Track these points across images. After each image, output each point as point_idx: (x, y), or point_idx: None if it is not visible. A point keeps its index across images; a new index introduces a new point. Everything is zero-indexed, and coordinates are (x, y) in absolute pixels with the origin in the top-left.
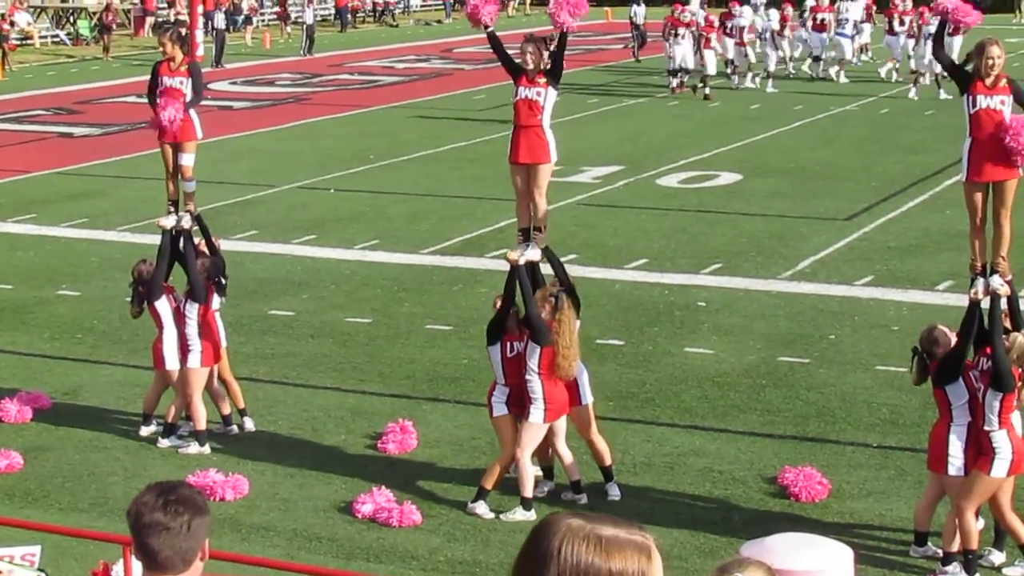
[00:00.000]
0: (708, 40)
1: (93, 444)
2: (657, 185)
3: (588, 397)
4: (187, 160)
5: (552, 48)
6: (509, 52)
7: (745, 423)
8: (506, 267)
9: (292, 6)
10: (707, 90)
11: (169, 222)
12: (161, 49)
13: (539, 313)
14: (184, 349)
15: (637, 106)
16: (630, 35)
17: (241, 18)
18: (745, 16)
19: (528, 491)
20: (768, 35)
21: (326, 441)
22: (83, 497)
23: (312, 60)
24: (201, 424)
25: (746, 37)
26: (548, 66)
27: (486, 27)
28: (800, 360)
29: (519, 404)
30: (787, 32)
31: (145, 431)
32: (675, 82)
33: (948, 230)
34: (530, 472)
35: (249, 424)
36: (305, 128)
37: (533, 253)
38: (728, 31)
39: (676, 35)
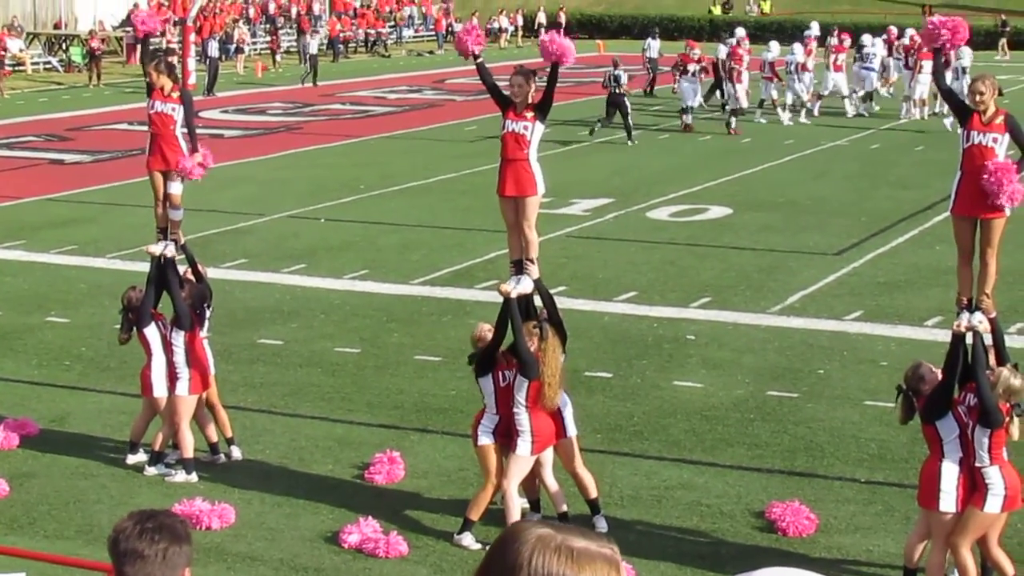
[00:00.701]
0: (739, 74)
1: (80, 471)
2: (647, 218)
3: (572, 430)
4: (175, 188)
5: (538, 79)
6: (499, 84)
7: (733, 457)
8: (497, 298)
9: (284, 34)
10: (733, 123)
11: (158, 249)
12: (148, 79)
13: (528, 347)
14: (172, 377)
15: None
16: (642, 68)
17: (233, 47)
18: (773, 50)
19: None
20: (794, 68)
21: (313, 471)
22: (69, 524)
23: (304, 90)
24: (188, 452)
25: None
26: (536, 100)
27: (474, 56)
28: (789, 394)
29: (505, 435)
30: (811, 65)
31: (132, 459)
32: (688, 119)
33: (937, 266)
34: (517, 503)
35: (236, 453)
36: (296, 157)
37: (526, 286)
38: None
39: (685, 72)
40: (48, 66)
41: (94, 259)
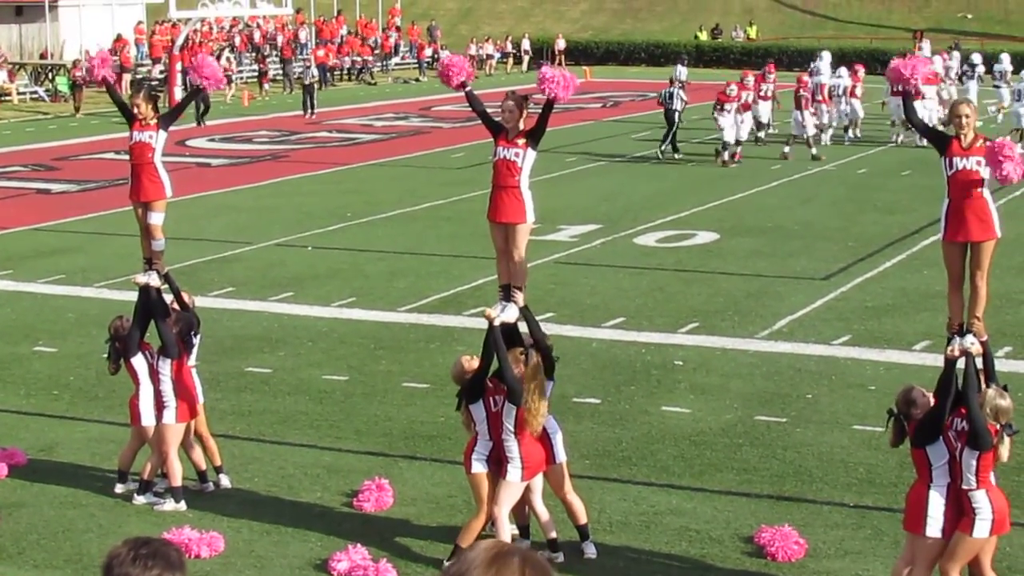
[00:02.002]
0: (807, 101)
1: (68, 501)
2: (634, 244)
3: (562, 455)
4: (156, 219)
5: (530, 105)
6: (489, 110)
7: (722, 482)
8: (483, 325)
9: (271, 62)
10: (787, 149)
11: (143, 279)
12: (135, 110)
13: (515, 374)
14: (159, 405)
15: (615, 165)
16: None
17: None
18: (824, 74)
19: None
20: (840, 91)
21: (302, 498)
22: (58, 554)
23: (291, 118)
24: (177, 481)
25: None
26: (529, 127)
27: (462, 86)
28: (777, 419)
29: (497, 461)
30: (859, 91)
31: (120, 488)
32: (726, 155)
33: (925, 290)
34: (507, 530)
35: (225, 481)
36: (283, 185)
37: (510, 314)
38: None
39: (722, 109)
40: (35, 96)
41: (82, 288)
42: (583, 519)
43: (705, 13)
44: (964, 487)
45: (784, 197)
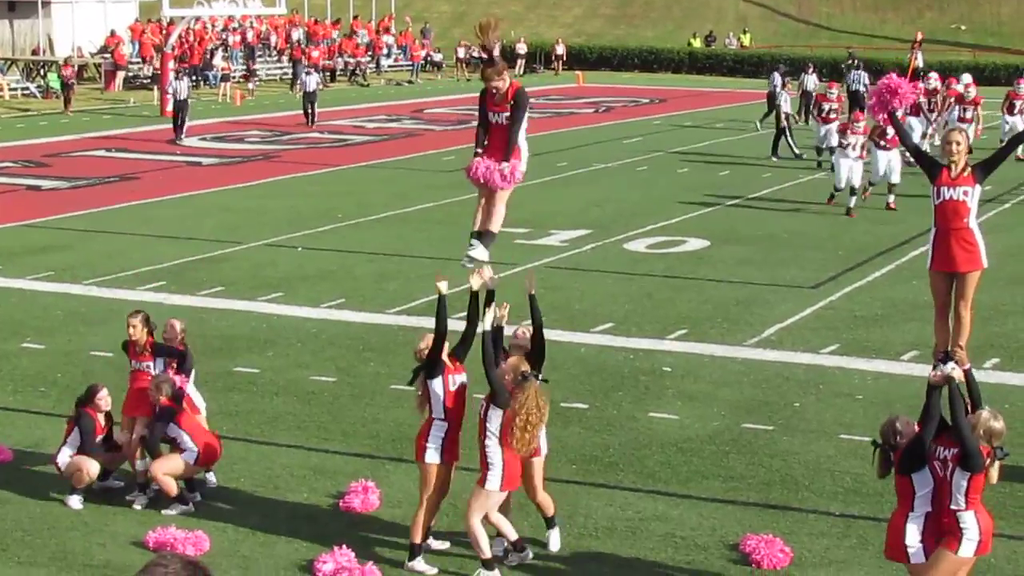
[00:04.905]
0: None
1: (54, 498)
2: (624, 250)
3: (545, 448)
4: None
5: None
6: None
7: (708, 489)
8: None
9: (261, 62)
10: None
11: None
12: (130, 330)
13: (500, 376)
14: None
15: (606, 170)
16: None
17: (219, 75)
18: (933, 80)
19: (487, 552)
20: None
21: (288, 499)
22: (42, 551)
23: (283, 117)
24: (173, 490)
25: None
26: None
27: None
28: (764, 427)
29: (451, 451)
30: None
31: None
32: (851, 202)
33: (914, 301)
34: (483, 533)
35: (212, 479)
36: (273, 186)
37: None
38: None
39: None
40: (26, 92)
41: (71, 285)
42: (551, 511)
43: (699, 20)
44: (952, 507)
45: (774, 205)
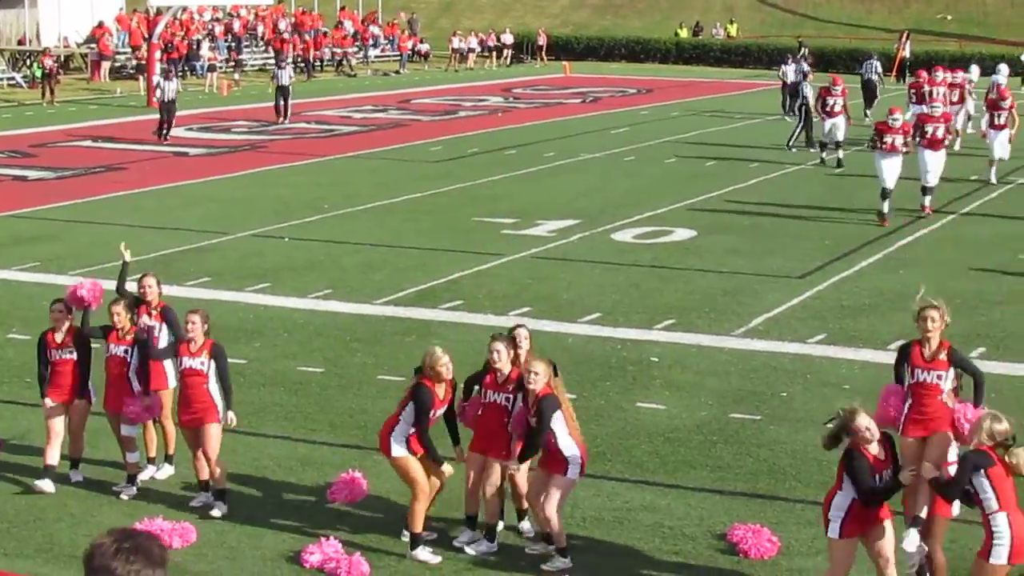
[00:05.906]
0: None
1: (40, 490)
2: (612, 240)
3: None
4: (128, 431)
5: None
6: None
7: (696, 479)
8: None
9: (249, 53)
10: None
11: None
12: (114, 318)
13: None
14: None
15: (593, 161)
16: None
17: (205, 65)
18: (973, 73)
19: (564, 541)
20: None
21: (275, 490)
22: (29, 543)
23: (270, 108)
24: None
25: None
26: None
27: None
28: (752, 417)
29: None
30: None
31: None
32: (884, 207)
33: (901, 291)
34: (558, 523)
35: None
36: (260, 176)
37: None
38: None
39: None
40: (12, 82)
41: (57, 276)
42: (526, 504)
43: (686, 10)
44: (985, 511)
45: (761, 195)
